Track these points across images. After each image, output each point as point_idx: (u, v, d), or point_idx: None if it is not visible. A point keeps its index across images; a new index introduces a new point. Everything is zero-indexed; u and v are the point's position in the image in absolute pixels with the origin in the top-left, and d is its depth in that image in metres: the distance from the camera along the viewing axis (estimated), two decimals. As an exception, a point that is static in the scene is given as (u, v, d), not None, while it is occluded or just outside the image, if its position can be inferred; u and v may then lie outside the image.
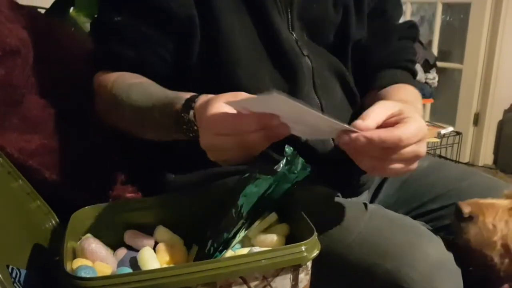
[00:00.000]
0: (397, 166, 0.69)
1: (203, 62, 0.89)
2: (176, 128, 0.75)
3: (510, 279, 0.82)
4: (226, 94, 0.68)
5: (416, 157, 0.70)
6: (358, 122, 0.68)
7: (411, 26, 1.09)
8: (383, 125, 0.70)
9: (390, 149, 0.68)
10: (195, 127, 0.72)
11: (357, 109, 1.02)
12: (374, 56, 1.05)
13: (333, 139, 0.92)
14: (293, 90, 0.91)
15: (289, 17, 0.92)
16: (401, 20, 1.12)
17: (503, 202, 0.83)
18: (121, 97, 0.86)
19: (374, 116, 0.70)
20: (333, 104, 0.96)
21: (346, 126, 0.67)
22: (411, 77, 1.04)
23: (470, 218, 0.80)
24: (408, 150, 0.68)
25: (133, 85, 0.86)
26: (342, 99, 0.99)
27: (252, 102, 0.64)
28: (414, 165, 0.72)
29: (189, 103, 0.73)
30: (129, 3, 0.88)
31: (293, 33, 0.93)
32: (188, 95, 0.75)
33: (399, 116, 0.71)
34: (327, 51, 0.99)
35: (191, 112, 0.72)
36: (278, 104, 0.62)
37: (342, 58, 1.00)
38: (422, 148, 0.70)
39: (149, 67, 0.89)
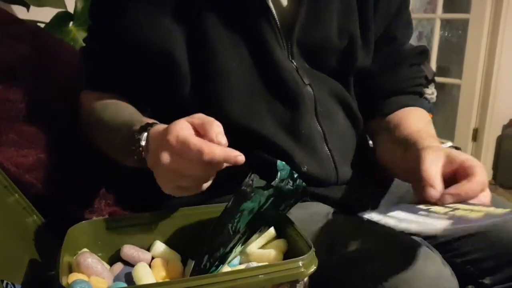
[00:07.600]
0: None
1: (198, 94, 0.88)
2: (128, 148, 0.74)
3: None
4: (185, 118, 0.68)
5: None
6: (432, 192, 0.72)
7: (422, 52, 1.06)
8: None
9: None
10: (141, 149, 0.72)
11: (361, 134, 1.03)
12: (384, 83, 1.02)
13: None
14: (295, 120, 0.90)
15: (289, 45, 0.90)
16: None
17: None
18: (96, 115, 0.87)
19: (438, 179, 0.73)
20: (336, 131, 0.95)
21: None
22: (419, 99, 1.03)
23: None
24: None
25: (108, 104, 0.88)
26: (344, 125, 0.98)
27: None
28: None
29: (147, 126, 0.73)
30: (109, 32, 0.89)
31: (293, 61, 0.91)
32: (151, 120, 0.76)
33: (459, 165, 0.74)
34: (328, 76, 0.96)
35: (144, 134, 0.72)
36: None
37: (344, 83, 0.98)
38: (487, 199, 0.73)
39: (126, 95, 0.91)
